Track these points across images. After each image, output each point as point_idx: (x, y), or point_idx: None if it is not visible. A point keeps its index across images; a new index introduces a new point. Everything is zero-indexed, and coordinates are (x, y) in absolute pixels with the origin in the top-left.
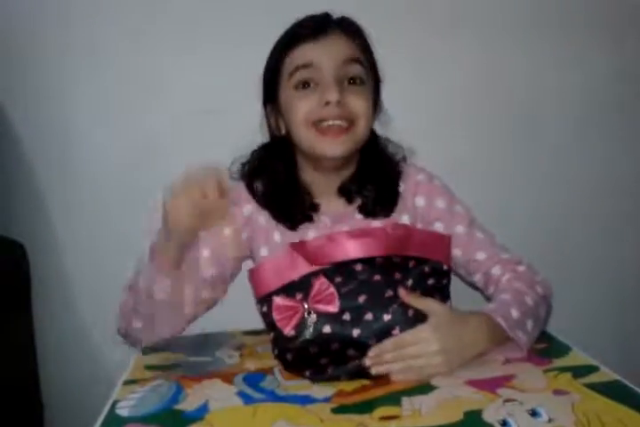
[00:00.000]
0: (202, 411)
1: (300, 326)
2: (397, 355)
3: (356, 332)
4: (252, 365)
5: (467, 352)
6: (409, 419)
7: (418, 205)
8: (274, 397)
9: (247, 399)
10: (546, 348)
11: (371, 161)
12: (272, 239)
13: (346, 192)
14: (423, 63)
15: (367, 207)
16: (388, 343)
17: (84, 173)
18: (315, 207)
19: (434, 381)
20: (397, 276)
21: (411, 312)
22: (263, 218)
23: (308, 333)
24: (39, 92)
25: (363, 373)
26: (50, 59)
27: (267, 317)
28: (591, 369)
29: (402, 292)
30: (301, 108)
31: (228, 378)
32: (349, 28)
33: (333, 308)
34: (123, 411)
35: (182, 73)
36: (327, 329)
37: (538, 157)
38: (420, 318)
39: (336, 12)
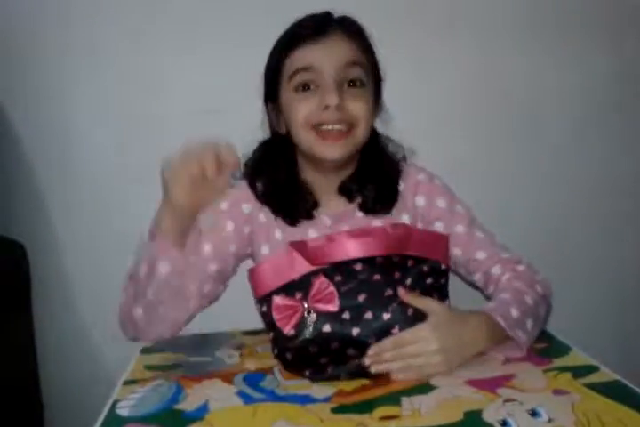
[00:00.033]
0: (202, 411)
1: (300, 325)
2: (397, 354)
3: (355, 331)
4: (251, 365)
5: (466, 351)
6: (409, 419)
7: (418, 205)
8: (274, 397)
9: (247, 399)
10: (546, 348)
11: (371, 160)
12: (273, 237)
13: (346, 191)
14: (422, 63)
15: (367, 205)
16: (387, 342)
17: (83, 173)
18: (315, 205)
19: (434, 381)
20: (397, 275)
21: (410, 311)
22: (264, 215)
23: (308, 332)
24: (39, 92)
25: (362, 372)
26: (50, 59)
27: (266, 316)
28: (591, 369)
29: (401, 291)
30: (301, 111)
31: (227, 378)
32: (351, 29)
33: (333, 307)
34: (123, 411)
35: (182, 73)
36: (327, 328)
37: (537, 157)
38: (420, 317)
39: (336, 13)
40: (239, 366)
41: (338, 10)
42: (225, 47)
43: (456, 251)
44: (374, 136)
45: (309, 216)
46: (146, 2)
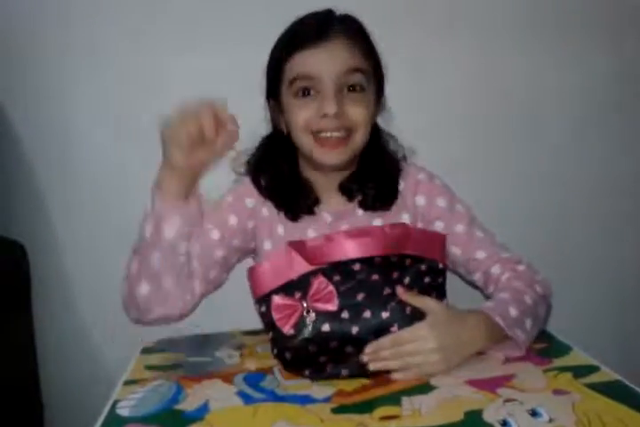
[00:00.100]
0: (202, 411)
1: (299, 324)
2: (395, 352)
3: (354, 329)
4: (251, 365)
5: (464, 350)
6: (409, 419)
7: (418, 204)
8: (274, 397)
9: (247, 399)
10: (546, 348)
11: (372, 159)
12: (275, 232)
13: (346, 190)
14: (422, 63)
15: (367, 203)
16: (385, 340)
17: (83, 173)
18: (316, 201)
19: (434, 381)
20: (395, 275)
21: (409, 310)
22: (267, 210)
23: (307, 331)
24: (39, 92)
25: (362, 370)
26: (50, 59)
27: (265, 316)
28: (592, 369)
29: (400, 290)
30: (301, 116)
31: (228, 378)
32: (352, 31)
33: (332, 306)
34: (123, 411)
35: (182, 73)
36: (326, 328)
37: (537, 156)
38: (418, 315)
39: (336, 11)
40: (239, 366)
41: (338, 8)
42: (225, 47)
43: (456, 250)
44: (375, 135)
45: (310, 212)
46: (146, 2)
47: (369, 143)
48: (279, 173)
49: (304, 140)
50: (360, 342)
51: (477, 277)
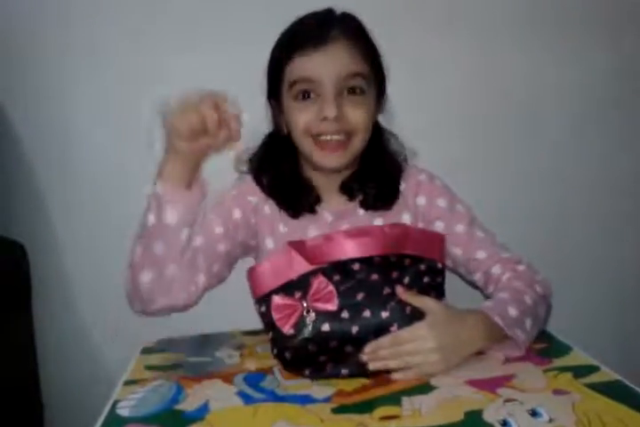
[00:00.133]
0: (202, 411)
1: (299, 324)
2: (394, 351)
3: (354, 329)
4: (251, 365)
5: (463, 350)
6: (409, 419)
7: (419, 204)
8: (274, 397)
9: (247, 399)
10: (546, 348)
11: (372, 160)
12: (277, 230)
13: (347, 190)
14: (421, 61)
15: (368, 202)
16: (384, 340)
17: (83, 173)
18: (318, 200)
19: (434, 381)
20: (394, 274)
21: (408, 310)
22: (268, 207)
23: (307, 331)
24: (39, 92)
25: (361, 369)
26: (50, 59)
27: (265, 316)
28: (592, 369)
29: (399, 289)
30: (301, 119)
31: (228, 378)
32: (352, 32)
33: (332, 306)
34: (123, 411)
35: (182, 73)
36: (326, 327)
37: (536, 154)
38: (418, 315)
39: (336, 10)
40: (239, 366)
41: (337, 7)
42: (225, 46)
43: (456, 250)
44: (377, 134)
45: (312, 211)
46: (146, 2)
47: (370, 143)
48: (280, 172)
49: (304, 143)
50: (360, 342)
51: (478, 277)
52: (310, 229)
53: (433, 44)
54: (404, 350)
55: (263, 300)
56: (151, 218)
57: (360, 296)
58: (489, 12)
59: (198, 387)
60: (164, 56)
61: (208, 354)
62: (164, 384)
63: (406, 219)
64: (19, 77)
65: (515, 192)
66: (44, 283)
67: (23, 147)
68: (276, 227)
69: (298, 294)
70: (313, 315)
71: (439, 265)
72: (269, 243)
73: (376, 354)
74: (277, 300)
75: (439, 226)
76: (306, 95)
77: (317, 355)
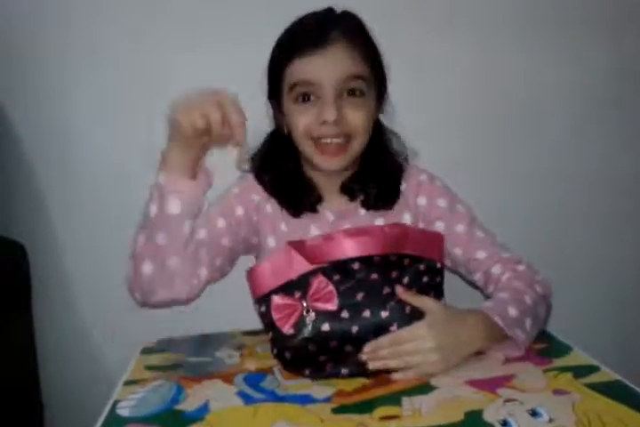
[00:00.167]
0: (202, 411)
1: (299, 324)
2: (394, 351)
3: (354, 329)
4: (251, 365)
5: (463, 350)
6: (409, 419)
7: (419, 205)
8: (274, 397)
9: (247, 399)
10: (546, 348)
11: (374, 159)
12: (279, 229)
13: (348, 190)
14: (421, 61)
15: (369, 202)
16: (384, 339)
17: (83, 173)
18: (319, 199)
19: (434, 381)
20: (394, 274)
21: (408, 309)
22: (270, 206)
23: (307, 331)
24: (39, 92)
25: (361, 369)
26: (50, 59)
27: (265, 316)
28: (592, 369)
29: (399, 289)
30: (301, 122)
31: (228, 378)
32: (353, 34)
33: (332, 306)
34: (123, 411)
35: (183, 73)
36: (326, 327)
37: (537, 154)
38: (417, 315)
39: (336, 8)
40: (239, 366)
41: (337, 7)
42: (225, 46)
43: (456, 250)
44: (378, 134)
45: (313, 210)
46: (146, 2)
47: (371, 143)
48: (282, 171)
49: (304, 145)
50: (360, 342)
51: (478, 277)
52: (312, 228)
53: (433, 43)
54: (403, 349)
55: (263, 300)
56: (153, 208)
57: (360, 296)
58: (489, 11)
59: (198, 387)
60: (164, 56)
61: (208, 354)
62: (164, 384)
63: (407, 219)
64: (19, 77)
65: (515, 192)
66: (44, 283)
67: (23, 147)
68: (278, 226)
69: (298, 294)
70: (313, 315)
71: (438, 265)
72: (271, 241)
73: (375, 354)
74: (277, 300)
75: (439, 226)
76: (306, 98)
77: (317, 355)
